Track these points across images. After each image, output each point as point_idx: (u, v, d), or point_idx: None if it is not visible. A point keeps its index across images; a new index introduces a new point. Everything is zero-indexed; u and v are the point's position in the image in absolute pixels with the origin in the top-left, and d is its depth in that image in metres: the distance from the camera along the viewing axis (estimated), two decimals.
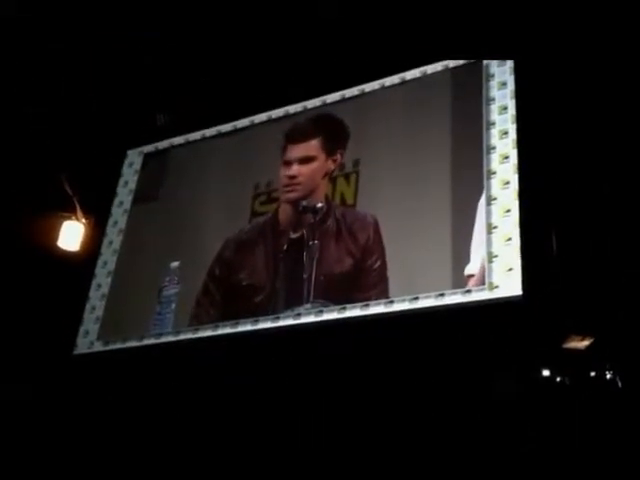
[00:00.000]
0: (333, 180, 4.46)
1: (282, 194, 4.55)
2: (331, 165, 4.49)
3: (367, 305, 3.96)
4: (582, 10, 3.96)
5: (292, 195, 4.48)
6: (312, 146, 4.53)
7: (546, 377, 3.76)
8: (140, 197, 5.22)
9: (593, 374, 3.70)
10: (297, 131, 4.67)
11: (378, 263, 4.08)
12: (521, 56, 4.09)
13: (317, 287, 4.12)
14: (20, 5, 4.71)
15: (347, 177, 4.43)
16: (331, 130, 4.60)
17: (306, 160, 4.49)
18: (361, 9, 4.45)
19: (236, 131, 5.13)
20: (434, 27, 4.31)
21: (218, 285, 4.53)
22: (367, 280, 4.06)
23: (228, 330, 4.30)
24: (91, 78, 5.17)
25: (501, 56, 4.15)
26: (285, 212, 4.50)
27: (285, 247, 4.38)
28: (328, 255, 4.21)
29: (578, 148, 3.96)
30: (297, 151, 4.55)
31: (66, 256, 5.23)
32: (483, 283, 3.70)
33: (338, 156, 4.49)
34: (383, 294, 3.96)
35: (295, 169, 4.49)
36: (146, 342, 4.54)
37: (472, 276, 3.75)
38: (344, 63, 4.70)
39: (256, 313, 4.27)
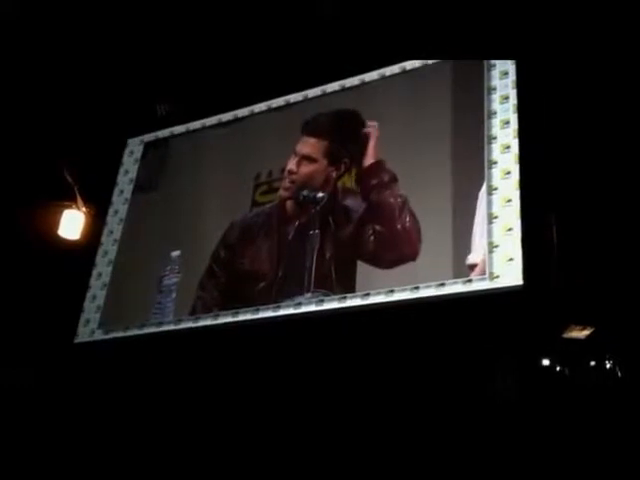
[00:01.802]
0: None
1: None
2: (333, 173, 4.40)
3: (367, 294, 3.96)
4: (583, 2, 3.95)
5: (285, 193, 4.49)
6: (317, 147, 4.46)
7: (546, 366, 3.77)
8: (140, 186, 5.21)
9: (593, 364, 3.71)
10: (313, 125, 4.58)
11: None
12: (522, 54, 4.08)
13: (318, 276, 4.12)
14: None
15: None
16: (345, 135, 4.50)
17: (306, 159, 4.44)
18: (362, 4, 4.44)
19: (236, 120, 5.12)
20: (435, 26, 4.30)
21: (222, 268, 4.53)
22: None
23: (229, 319, 4.31)
24: (91, 67, 5.15)
25: (502, 55, 4.13)
26: (290, 202, 4.49)
27: (291, 236, 4.37)
28: (334, 243, 4.21)
29: (579, 138, 3.96)
30: (304, 146, 4.48)
31: (67, 245, 5.23)
32: (485, 273, 3.70)
33: (342, 166, 4.39)
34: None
35: (294, 165, 4.45)
36: (147, 331, 4.54)
37: (475, 265, 3.75)
38: (344, 53, 4.68)
39: (259, 299, 4.27)
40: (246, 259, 4.46)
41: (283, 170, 4.58)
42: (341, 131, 4.54)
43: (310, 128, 4.57)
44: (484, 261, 3.72)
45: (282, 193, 4.52)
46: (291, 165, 4.47)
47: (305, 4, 4.61)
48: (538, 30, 4.08)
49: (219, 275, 4.51)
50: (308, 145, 4.49)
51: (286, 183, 4.49)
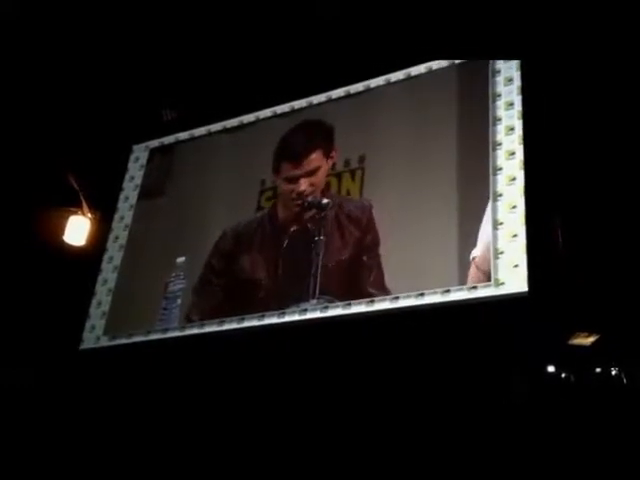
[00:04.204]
0: (338, 176, 4.46)
1: (291, 203, 4.49)
2: (330, 163, 4.48)
3: (372, 301, 3.96)
4: (588, 7, 3.95)
5: (286, 199, 4.51)
6: (314, 159, 4.49)
7: (551, 373, 3.76)
8: (146, 192, 5.22)
9: (598, 370, 3.71)
10: (293, 150, 4.60)
11: (374, 245, 4.12)
12: (527, 56, 4.08)
13: (323, 283, 4.12)
14: None
15: (352, 173, 4.43)
16: (322, 136, 4.58)
17: (313, 172, 4.46)
18: (368, 7, 4.44)
19: (242, 126, 5.13)
20: (439, 26, 4.31)
21: (216, 276, 4.55)
22: (367, 267, 4.08)
23: (234, 325, 4.31)
24: (97, 73, 5.16)
25: (507, 56, 4.13)
26: (286, 207, 4.50)
27: (285, 243, 4.39)
28: (332, 248, 4.22)
29: (584, 144, 3.95)
30: (300, 168, 4.49)
31: (72, 251, 5.23)
32: (487, 266, 3.72)
33: (334, 153, 4.50)
34: (379, 276, 3.99)
35: (304, 184, 4.44)
36: (152, 337, 4.55)
37: (475, 258, 3.78)
38: (349, 59, 4.69)
39: (257, 308, 4.27)
40: (242, 266, 4.48)
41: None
42: (317, 136, 4.61)
43: (293, 153, 4.58)
44: (486, 259, 3.73)
45: (284, 198, 4.53)
46: (300, 187, 4.44)
47: (308, 7, 4.61)
48: (543, 35, 4.08)
49: (214, 284, 4.53)
50: (305, 164, 4.49)
51: (299, 202, 4.45)
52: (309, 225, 4.35)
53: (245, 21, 4.77)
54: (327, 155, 4.50)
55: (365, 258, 4.12)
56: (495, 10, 4.13)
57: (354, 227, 4.24)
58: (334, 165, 4.49)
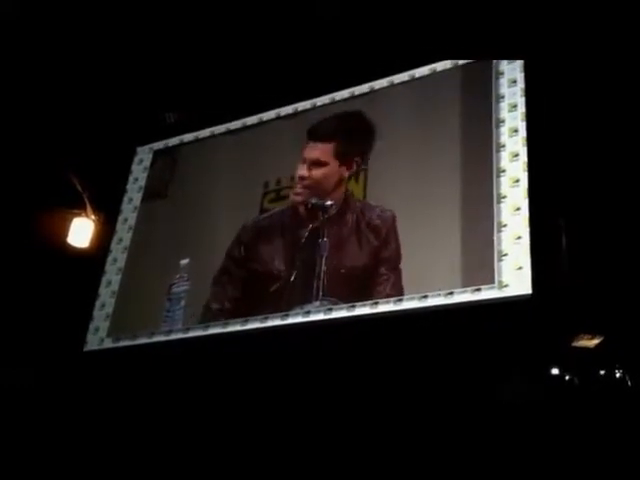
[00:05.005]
0: None
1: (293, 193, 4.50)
2: (345, 172, 4.40)
3: (376, 303, 3.95)
4: (592, 8, 3.94)
5: (297, 198, 4.48)
6: (325, 151, 4.44)
7: (555, 376, 3.76)
8: (150, 194, 5.22)
9: (602, 373, 3.70)
10: (318, 129, 4.58)
11: (394, 258, 4.08)
12: (530, 55, 4.07)
13: (327, 284, 4.12)
14: None
15: (356, 175, 4.43)
16: (351, 135, 4.54)
17: (317, 164, 4.42)
18: (371, 7, 4.44)
19: (245, 128, 5.12)
20: (443, 26, 4.30)
21: (237, 266, 4.53)
22: (383, 275, 4.06)
23: (238, 327, 4.31)
24: (100, 75, 5.17)
25: (510, 56, 4.13)
26: (302, 207, 4.48)
27: (303, 240, 4.36)
28: (344, 251, 4.21)
29: (588, 146, 3.95)
30: (313, 152, 4.47)
31: (76, 253, 5.24)
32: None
33: (354, 164, 4.41)
34: (397, 290, 3.96)
35: (305, 170, 4.43)
36: (156, 339, 4.55)
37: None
38: (353, 60, 4.69)
39: (272, 301, 4.26)
40: (261, 259, 4.45)
41: (292, 178, 4.57)
42: (348, 131, 4.57)
43: (316, 133, 4.57)
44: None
45: (294, 198, 4.51)
46: (302, 171, 4.45)
47: (313, 8, 4.62)
48: (547, 36, 4.08)
49: (234, 273, 4.51)
50: (316, 150, 4.48)
51: (298, 189, 4.47)
52: (319, 225, 4.33)
53: (247, 23, 4.77)
54: (341, 157, 4.41)
55: (383, 269, 4.08)
56: (499, 10, 4.13)
57: (373, 236, 4.22)
58: (349, 177, 4.44)
